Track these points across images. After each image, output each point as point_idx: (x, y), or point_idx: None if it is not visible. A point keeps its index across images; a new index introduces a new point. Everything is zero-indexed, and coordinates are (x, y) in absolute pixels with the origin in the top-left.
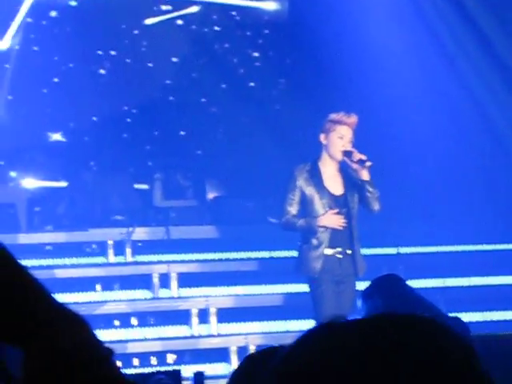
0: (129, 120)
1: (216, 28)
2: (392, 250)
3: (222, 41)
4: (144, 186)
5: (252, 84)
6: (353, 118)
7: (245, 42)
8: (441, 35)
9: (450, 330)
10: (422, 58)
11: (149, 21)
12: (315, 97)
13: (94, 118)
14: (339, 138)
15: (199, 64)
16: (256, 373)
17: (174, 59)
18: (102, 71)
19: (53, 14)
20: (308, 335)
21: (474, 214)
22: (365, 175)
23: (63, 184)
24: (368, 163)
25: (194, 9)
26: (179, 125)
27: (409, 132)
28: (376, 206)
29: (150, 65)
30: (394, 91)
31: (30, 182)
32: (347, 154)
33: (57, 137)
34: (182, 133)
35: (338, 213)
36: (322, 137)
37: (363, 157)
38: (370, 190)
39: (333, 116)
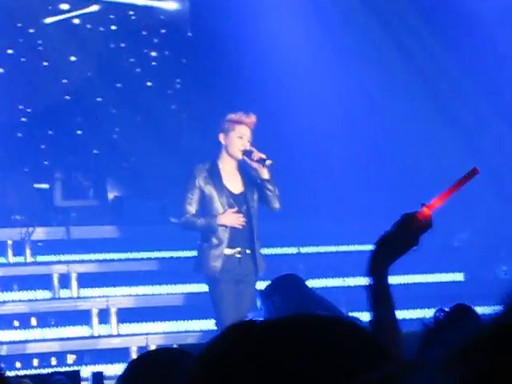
0: (24, 119)
1: (113, 27)
2: (293, 250)
3: (119, 40)
4: (44, 186)
5: (149, 83)
6: (252, 118)
7: (141, 41)
8: (339, 32)
9: (363, 332)
10: (321, 57)
11: (48, 20)
12: (213, 97)
13: None
14: (238, 137)
15: (95, 63)
16: (142, 376)
17: (71, 58)
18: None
19: None
20: (221, 336)
21: (374, 214)
22: (265, 174)
23: None
24: (268, 162)
25: (93, 8)
26: (76, 124)
27: (310, 132)
28: (276, 205)
29: (46, 63)
30: (292, 90)
31: None
32: (247, 153)
33: None
34: (79, 132)
35: (237, 211)
36: (221, 136)
37: (263, 156)
38: (270, 188)
39: (232, 116)
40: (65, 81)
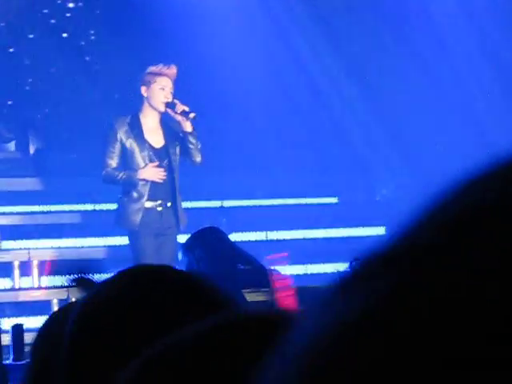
0: None
1: None
2: (215, 203)
3: None
4: None
5: (64, 35)
6: (173, 69)
7: None
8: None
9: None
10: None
11: None
12: (131, 49)
13: None
14: (160, 89)
15: (10, 13)
16: (60, 329)
17: None
18: None
19: None
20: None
21: (297, 168)
22: (188, 127)
23: None
24: (192, 114)
25: None
26: None
27: (237, 86)
28: (198, 158)
29: None
30: (217, 43)
31: None
32: (170, 105)
33: None
34: None
35: (158, 166)
36: (142, 89)
37: (186, 108)
38: (193, 141)
39: (152, 68)
40: None
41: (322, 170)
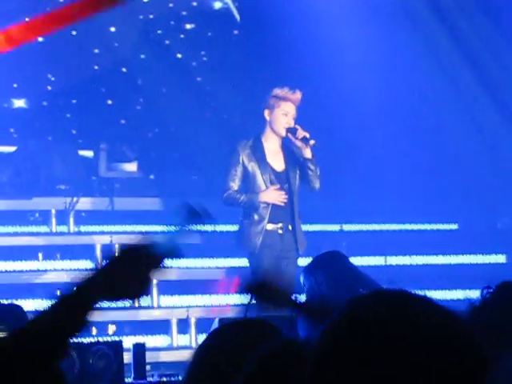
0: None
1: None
2: (335, 227)
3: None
4: (88, 153)
5: (179, 55)
6: (297, 95)
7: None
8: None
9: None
10: (369, 39)
11: None
12: (257, 72)
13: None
14: (283, 114)
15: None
16: (225, 345)
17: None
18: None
19: None
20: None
21: (417, 193)
22: (307, 153)
23: (11, 149)
24: (312, 142)
25: None
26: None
27: (357, 110)
28: (316, 184)
29: (74, 33)
30: (340, 67)
31: None
32: (291, 130)
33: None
34: (110, 102)
35: (279, 189)
36: (266, 112)
37: (307, 134)
38: (312, 168)
39: (277, 91)
40: (97, 51)
41: (442, 195)
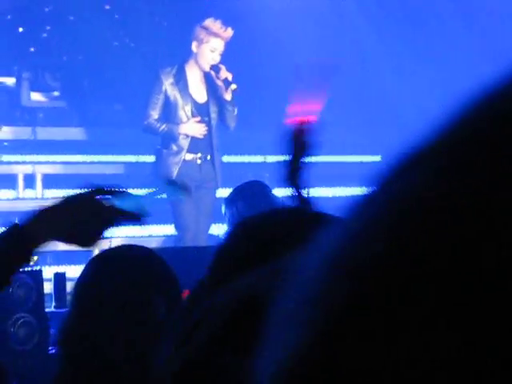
0: None
1: None
2: (258, 158)
3: None
4: (10, 82)
5: None
6: (229, 32)
7: None
8: None
9: None
10: None
11: None
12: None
13: None
14: (211, 50)
15: None
16: (108, 272)
17: None
18: None
19: None
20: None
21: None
22: (227, 96)
23: None
24: (233, 86)
25: None
26: (45, 24)
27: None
28: (232, 124)
29: None
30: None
31: None
32: (215, 68)
33: None
34: (44, 35)
35: (200, 121)
36: (193, 44)
37: (229, 76)
38: (229, 108)
39: (209, 24)
40: None
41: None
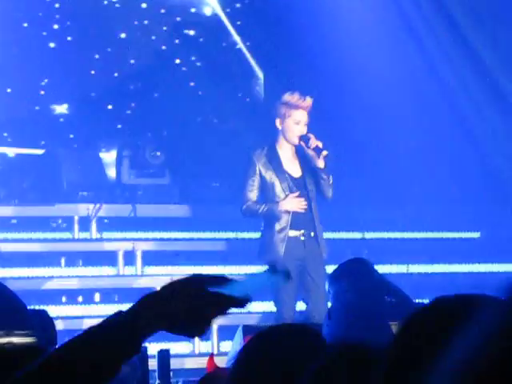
0: (93, 94)
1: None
2: (357, 235)
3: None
4: (110, 158)
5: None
6: (308, 102)
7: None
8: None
9: None
10: (395, 44)
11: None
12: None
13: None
14: (295, 123)
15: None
16: (265, 351)
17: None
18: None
19: None
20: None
21: (439, 201)
22: (320, 163)
23: (39, 151)
24: (324, 152)
25: None
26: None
27: (378, 118)
28: (329, 193)
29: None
30: (357, 72)
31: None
32: (304, 139)
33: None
34: (128, 111)
35: (298, 196)
36: (277, 121)
37: (319, 144)
38: (324, 177)
39: (288, 98)
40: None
41: (464, 202)
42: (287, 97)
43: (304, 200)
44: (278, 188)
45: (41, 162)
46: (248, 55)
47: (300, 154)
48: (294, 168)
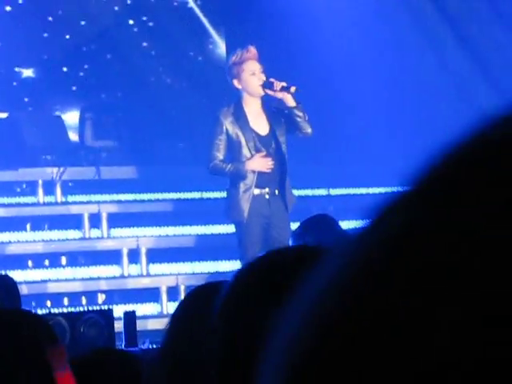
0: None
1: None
2: (322, 191)
3: None
4: (72, 121)
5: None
6: (252, 51)
7: None
8: None
9: None
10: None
11: None
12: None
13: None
14: (251, 74)
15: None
16: (201, 308)
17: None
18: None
19: None
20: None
21: (404, 158)
22: (291, 101)
23: (3, 115)
24: (292, 88)
25: None
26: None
27: (345, 77)
28: (308, 129)
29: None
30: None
31: None
32: (267, 85)
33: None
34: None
35: (265, 155)
36: (235, 82)
37: (284, 83)
38: (299, 114)
39: (233, 59)
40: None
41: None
42: (232, 58)
43: (271, 159)
44: (245, 147)
45: (1, 127)
46: (200, 14)
47: (267, 108)
48: (261, 124)
